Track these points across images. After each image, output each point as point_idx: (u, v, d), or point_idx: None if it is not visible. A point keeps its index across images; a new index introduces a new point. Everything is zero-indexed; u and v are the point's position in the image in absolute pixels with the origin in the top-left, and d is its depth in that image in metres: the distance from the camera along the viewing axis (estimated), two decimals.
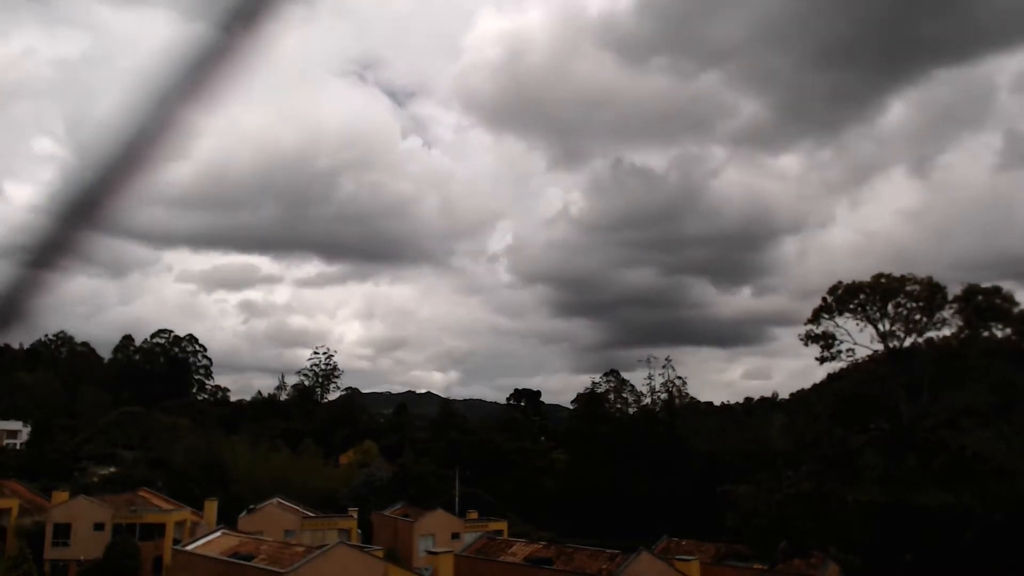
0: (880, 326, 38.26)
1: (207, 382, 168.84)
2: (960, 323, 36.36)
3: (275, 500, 65.86)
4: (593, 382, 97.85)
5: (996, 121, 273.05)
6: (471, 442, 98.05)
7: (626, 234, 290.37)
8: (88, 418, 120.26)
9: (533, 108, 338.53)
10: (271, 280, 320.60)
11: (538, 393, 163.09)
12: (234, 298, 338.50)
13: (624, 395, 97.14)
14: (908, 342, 38.19)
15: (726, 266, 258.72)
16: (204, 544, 40.86)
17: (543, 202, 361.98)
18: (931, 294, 36.96)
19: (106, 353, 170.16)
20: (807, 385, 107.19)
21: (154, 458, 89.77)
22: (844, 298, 38.72)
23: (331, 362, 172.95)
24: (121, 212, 2.77)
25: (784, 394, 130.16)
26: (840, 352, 39.71)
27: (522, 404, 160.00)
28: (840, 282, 39.31)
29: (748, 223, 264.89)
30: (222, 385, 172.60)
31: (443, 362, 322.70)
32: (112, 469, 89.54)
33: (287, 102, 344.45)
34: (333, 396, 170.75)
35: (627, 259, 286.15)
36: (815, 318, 39.54)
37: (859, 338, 39.29)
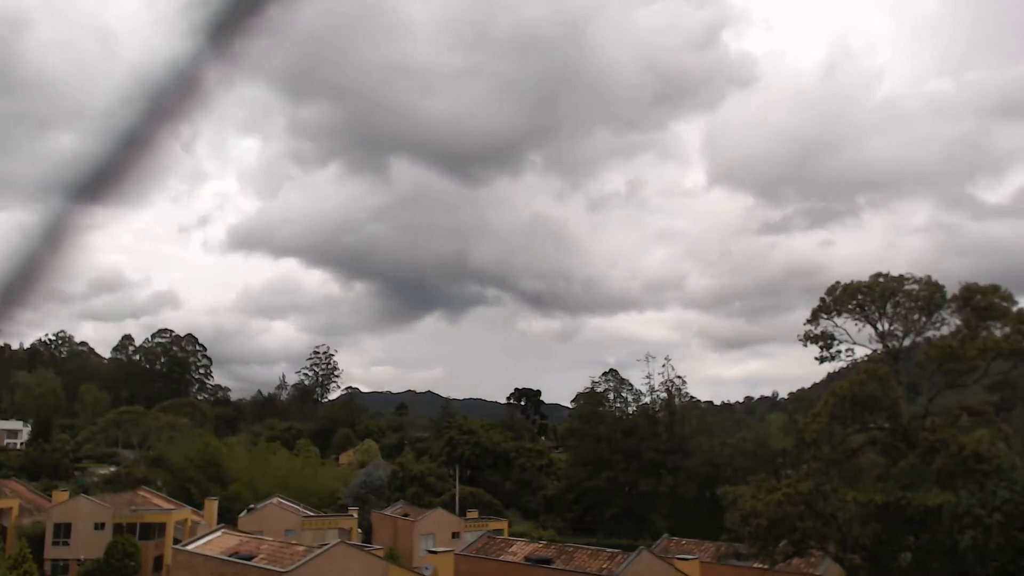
0: (879, 326, 38.31)
1: (207, 382, 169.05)
2: (959, 322, 36.39)
3: (275, 500, 65.92)
4: (593, 381, 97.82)
5: None
6: (471, 442, 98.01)
7: None
8: (88, 418, 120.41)
9: None
10: None
11: (538, 392, 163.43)
12: None
13: (624, 394, 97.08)
14: (907, 342, 38.23)
15: None
16: (204, 543, 40.88)
17: None
18: (930, 294, 36.99)
19: (106, 352, 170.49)
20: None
21: (154, 458, 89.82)
22: (842, 298, 38.75)
23: (331, 361, 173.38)
24: None
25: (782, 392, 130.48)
26: (839, 352, 39.78)
27: (522, 404, 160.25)
28: (838, 282, 39.36)
29: None
30: (222, 384, 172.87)
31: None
32: (112, 469, 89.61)
33: None
34: (333, 395, 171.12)
35: None
36: (814, 318, 39.54)
37: (858, 338, 39.38)
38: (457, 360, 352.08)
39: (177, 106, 4.51)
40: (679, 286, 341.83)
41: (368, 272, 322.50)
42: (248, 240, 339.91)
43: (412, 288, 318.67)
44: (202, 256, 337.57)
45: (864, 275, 39.04)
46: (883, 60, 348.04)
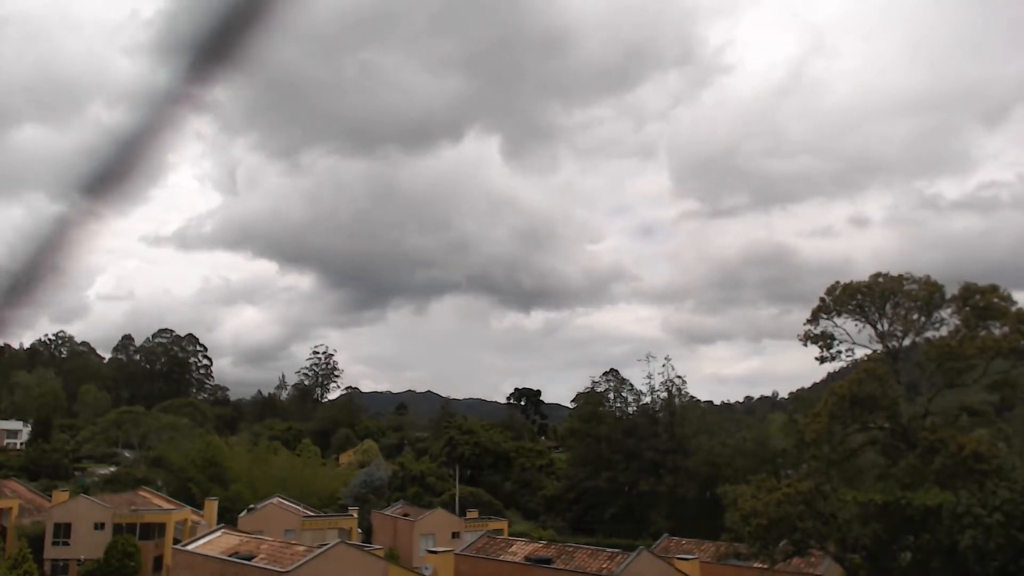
0: (879, 326, 38.33)
1: (207, 382, 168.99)
2: (958, 322, 36.41)
3: (275, 500, 65.91)
4: (593, 381, 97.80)
5: None
6: (471, 442, 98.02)
7: None
8: (88, 418, 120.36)
9: None
10: None
11: (538, 393, 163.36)
12: None
13: (624, 394, 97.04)
14: (907, 342, 38.26)
15: None
16: (204, 543, 40.88)
17: None
18: (929, 294, 37.01)
19: (106, 353, 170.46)
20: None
21: (154, 458, 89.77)
22: (842, 298, 38.79)
23: (331, 362, 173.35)
24: None
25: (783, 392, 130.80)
26: (839, 352, 39.81)
27: (522, 404, 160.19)
28: (838, 282, 39.40)
29: None
30: (222, 384, 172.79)
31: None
32: (112, 469, 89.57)
33: None
34: (333, 395, 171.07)
35: None
36: (814, 318, 39.58)
37: (858, 338, 39.42)
38: (428, 356, 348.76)
39: (150, 110, 4.57)
40: (637, 279, 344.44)
41: (322, 266, 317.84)
42: (192, 235, 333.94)
43: (368, 280, 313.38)
44: (149, 251, 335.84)
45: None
46: (851, 53, 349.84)
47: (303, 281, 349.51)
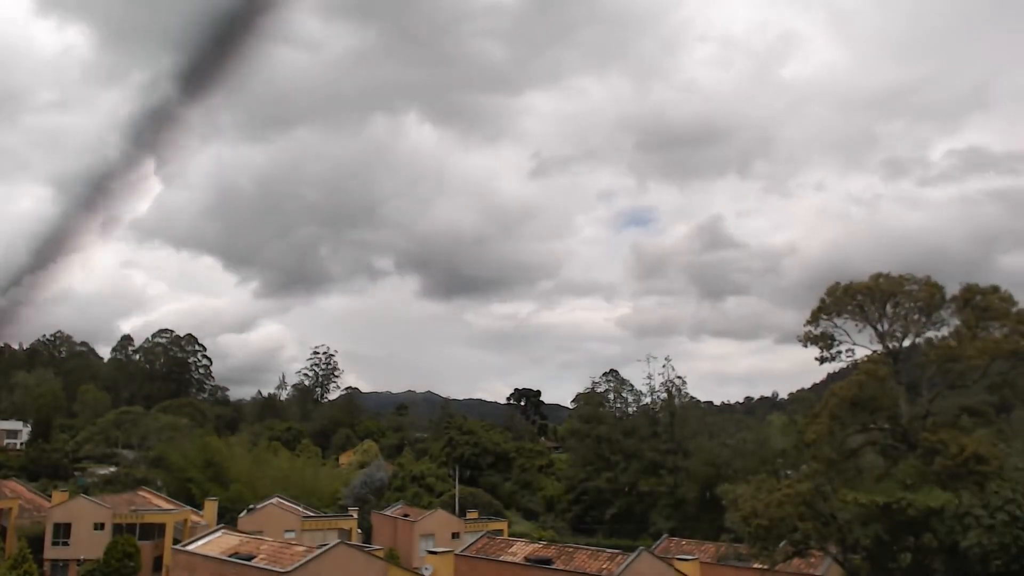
0: (879, 326, 38.26)
1: (207, 382, 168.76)
2: (959, 323, 36.38)
3: (275, 500, 65.94)
4: (593, 382, 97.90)
5: None
6: (471, 442, 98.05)
7: None
8: (88, 418, 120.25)
9: None
10: None
11: (538, 393, 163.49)
12: None
13: (624, 395, 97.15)
14: (907, 342, 38.23)
15: None
16: (204, 544, 40.85)
17: None
18: (929, 294, 36.97)
19: (105, 353, 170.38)
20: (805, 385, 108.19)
21: (154, 458, 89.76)
22: (842, 299, 38.73)
23: (331, 362, 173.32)
24: None
25: (783, 393, 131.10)
26: (840, 353, 39.75)
27: (522, 404, 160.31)
28: (838, 283, 39.33)
29: None
30: (222, 384, 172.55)
31: None
32: (112, 469, 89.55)
33: None
34: (333, 396, 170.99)
35: None
36: (814, 319, 39.49)
37: (858, 339, 39.37)
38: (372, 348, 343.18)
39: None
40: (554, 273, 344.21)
41: (239, 254, 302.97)
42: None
43: (293, 266, 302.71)
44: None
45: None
46: (795, 45, 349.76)
47: (217, 267, 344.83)
